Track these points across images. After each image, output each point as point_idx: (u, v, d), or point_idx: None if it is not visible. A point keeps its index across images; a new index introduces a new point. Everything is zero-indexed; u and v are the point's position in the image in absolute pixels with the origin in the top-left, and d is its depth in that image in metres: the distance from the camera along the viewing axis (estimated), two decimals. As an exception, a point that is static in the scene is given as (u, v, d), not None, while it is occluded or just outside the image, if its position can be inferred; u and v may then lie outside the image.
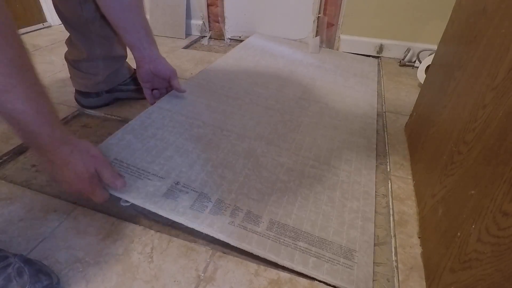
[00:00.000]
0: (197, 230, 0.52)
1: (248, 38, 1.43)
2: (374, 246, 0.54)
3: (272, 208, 0.58)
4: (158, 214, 0.53)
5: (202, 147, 0.68)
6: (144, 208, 0.54)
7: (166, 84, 0.81)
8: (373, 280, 0.49)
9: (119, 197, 0.55)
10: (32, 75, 0.42)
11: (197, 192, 0.58)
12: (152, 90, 0.81)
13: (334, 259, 0.51)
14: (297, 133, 0.78)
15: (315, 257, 0.51)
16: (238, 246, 0.51)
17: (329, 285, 0.48)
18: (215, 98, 0.88)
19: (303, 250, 0.51)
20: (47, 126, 0.44)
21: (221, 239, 0.51)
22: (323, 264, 0.50)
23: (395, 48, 1.33)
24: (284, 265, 0.49)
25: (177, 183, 0.59)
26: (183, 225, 0.52)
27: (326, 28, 1.39)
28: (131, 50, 0.74)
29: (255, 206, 0.57)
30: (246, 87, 0.97)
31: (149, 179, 0.58)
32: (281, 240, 0.52)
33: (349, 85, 1.08)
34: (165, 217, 0.53)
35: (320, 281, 0.48)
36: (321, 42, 1.41)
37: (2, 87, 0.38)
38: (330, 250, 0.52)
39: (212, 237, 0.52)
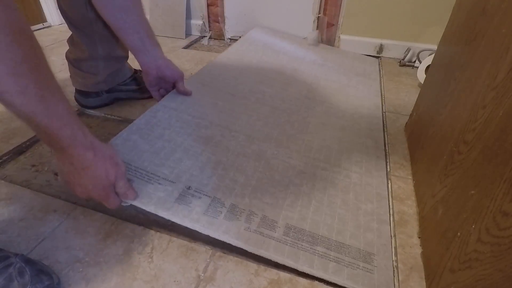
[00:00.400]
0: (197, 230, 0.52)
1: (249, 32, 1.40)
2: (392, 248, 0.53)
3: (287, 212, 0.57)
4: (158, 214, 0.53)
5: (211, 149, 0.66)
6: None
7: (172, 85, 0.80)
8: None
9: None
10: (46, 76, 0.40)
11: (209, 197, 0.56)
12: (159, 89, 0.80)
13: (353, 263, 0.50)
14: (306, 134, 0.78)
15: (334, 261, 0.50)
16: (256, 253, 0.49)
17: (331, 285, 0.48)
18: (221, 97, 0.86)
19: (321, 255, 0.51)
20: (67, 129, 0.42)
21: (239, 246, 0.50)
22: (343, 269, 0.49)
23: (395, 48, 1.33)
24: (304, 271, 0.48)
25: (189, 188, 0.57)
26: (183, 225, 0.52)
27: (326, 28, 1.39)
28: (134, 55, 0.71)
29: (270, 210, 0.56)
30: (251, 85, 0.96)
31: (159, 183, 0.56)
32: (299, 245, 0.51)
33: (353, 85, 1.08)
34: (165, 217, 0.53)
35: (320, 281, 0.48)
36: (319, 37, 1.39)
37: (14, 88, 0.36)
38: (348, 254, 0.51)
39: (212, 237, 0.51)
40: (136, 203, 0.52)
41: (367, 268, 0.49)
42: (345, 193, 0.62)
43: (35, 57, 0.38)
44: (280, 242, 0.51)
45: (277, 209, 0.57)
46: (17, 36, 0.35)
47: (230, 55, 1.17)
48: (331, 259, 0.50)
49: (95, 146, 0.46)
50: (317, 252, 0.51)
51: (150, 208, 0.52)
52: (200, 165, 0.62)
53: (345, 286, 0.47)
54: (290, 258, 0.49)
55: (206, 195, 0.56)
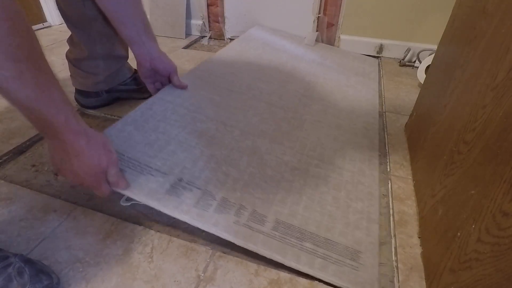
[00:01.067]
0: (197, 230, 0.52)
1: (249, 30, 1.39)
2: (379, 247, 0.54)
3: (278, 207, 0.57)
4: (158, 214, 0.53)
5: (205, 143, 0.66)
6: (145, 208, 0.53)
7: (168, 79, 0.80)
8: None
9: (119, 197, 0.54)
10: (41, 63, 0.40)
11: (201, 189, 0.57)
12: (155, 82, 0.80)
13: (340, 260, 0.50)
14: (301, 131, 0.78)
15: (321, 258, 0.50)
16: (243, 246, 0.50)
17: (331, 285, 0.48)
18: (218, 92, 0.86)
19: (309, 251, 0.51)
20: (61, 115, 0.42)
21: (227, 238, 0.50)
22: (329, 265, 0.49)
23: (395, 48, 1.33)
24: (290, 266, 0.49)
25: (181, 180, 0.57)
26: (183, 225, 0.52)
27: (326, 28, 1.39)
28: (130, 46, 0.72)
29: (261, 205, 0.57)
30: (249, 82, 0.96)
31: (151, 174, 0.56)
32: (287, 241, 0.52)
33: (351, 84, 1.08)
34: (165, 217, 0.53)
35: (320, 281, 0.48)
36: (318, 37, 1.40)
37: (10, 73, 0.36)
38: (336, 251, 0.51)
39: (212, 237, 0.51)
40: (127, 192, 0.52)
41: (353, 266, 0.50)
42: (337, 191, 0.63)
43: (31, 44, 0.39)
44: (268, 236, 0.52)
45: (268, 204, 0.57)
46: (13, 23, 0.36)
47: (229, 51, 1.17)
48: (318, 255, 0.50)
49: (88, 133, 0.46)
50: (304, 248, 0.51)
51: (140, 198, 0.52)
52: (193, 158, 0.62)
53: (330, 282, 0.48)
54: (278, 252, 0.50)
55: (197, 188, 0.57)
